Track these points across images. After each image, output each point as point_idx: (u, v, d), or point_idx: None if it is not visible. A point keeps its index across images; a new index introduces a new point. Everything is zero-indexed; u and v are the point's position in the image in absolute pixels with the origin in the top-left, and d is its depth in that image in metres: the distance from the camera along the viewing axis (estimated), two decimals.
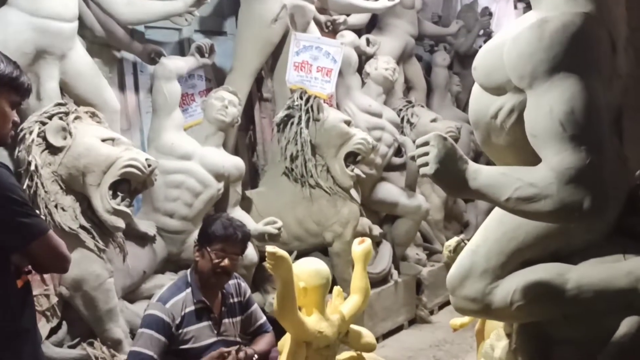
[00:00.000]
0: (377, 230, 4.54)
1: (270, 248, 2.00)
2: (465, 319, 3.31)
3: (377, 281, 4.40)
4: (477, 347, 3.12)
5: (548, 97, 1.74)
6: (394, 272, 4.61)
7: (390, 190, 4.66)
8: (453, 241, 2.54)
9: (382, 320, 4.38)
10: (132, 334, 2.88)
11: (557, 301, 2.00)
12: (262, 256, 3.47)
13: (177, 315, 2.40)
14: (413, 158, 1.98)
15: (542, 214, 1.74)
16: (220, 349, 2.34)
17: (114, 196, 2.69)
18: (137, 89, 3.71)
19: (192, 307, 2.45)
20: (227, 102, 3.49)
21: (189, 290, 2.46)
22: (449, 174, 1.84)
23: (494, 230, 2.17)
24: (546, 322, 2.12)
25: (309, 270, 2.20)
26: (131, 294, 3.04)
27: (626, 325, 1.94)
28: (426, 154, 1.87)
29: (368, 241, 2.42)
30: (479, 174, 1.84)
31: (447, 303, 5.27)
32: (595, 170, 1.67)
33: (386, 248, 4.61)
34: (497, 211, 2.26)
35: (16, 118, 1.79)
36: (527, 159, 1.88)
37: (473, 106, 2.18)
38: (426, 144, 1.88)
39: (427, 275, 5.03)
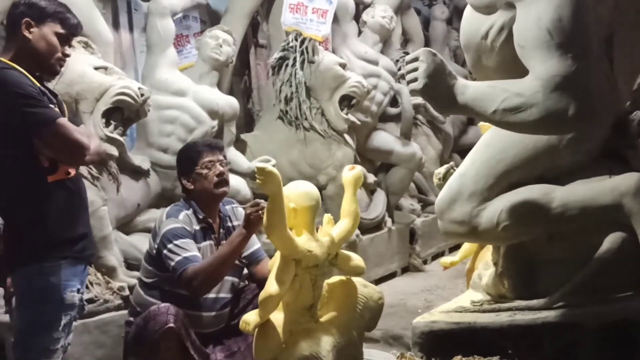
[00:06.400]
0: (371, 178, 4.57)
1: (259, 164, 2.01)
2: (455, 257, 3.35)
3: (371, 227, 4.45)
4: (468, 285, 3.16)
5: (536, 5, 1.75)
6: (388, 220, 4.65)
7: (385, 138, 4.67)
8: (443, 168, 2.57)
9: (375, 266, 4.44)
10: (127, 263, 2.93)
11: (543, 220, 2.03)
12: (255, 195, 3.51)
13: (191, 228, 2.44)
14: (403, 76, 1.99)
15: (528, 123, 1.76)
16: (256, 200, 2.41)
17: (107, 124, 2.70)
18: (131, 27, 3.70)
19: (198, 226, 2.48)
20: (222, 40, 3.48)
21: (191, 210, 2.49)
22: (438, 88, 1.85)
23: (482, 154, 2.20)
24: (531, 244, 2.16)
25: (298, 191, 2.21)
26: (126, 227, 3.08)
27: (609, 241, 1.98)
28: (415, 69, 1.88)
29: (358, 168, 2.43)
30: (467, 88, 1.86)
31: (441, 254, 5.34)
32: (582, 78, 1.69)
33: (380, 196, 4.64)
34: (485, 136, 2.29)
35: (66, 51, 2.03)
36: None
37: (464, 28, 2.19)
38: (415, 59, 1.89)
39: (420, 226, 5.08)
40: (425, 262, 5.08)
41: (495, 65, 2.08)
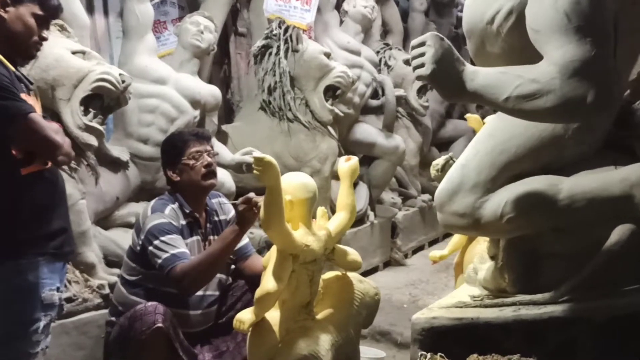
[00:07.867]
0: None
1: (257, 153, 1.91)
2: (445, 251, 3.29)
3: (354, 221, 4.36)
4: (456, 279, 3.11)
5: None
6: (370, 214, 4.58)
7: (367, 131, 4.59)
8: (441, 159, 2.50)
9: None
10: (106, 260, 2.79)
11: (549, 212, 1.97)
12: (239, 191, 3.39)
13: (177, 223, 2.34)
14: (407, 62, 1.90)
15: (544, 111, 1.68)
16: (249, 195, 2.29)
17: (86, 112, 2.55)
18: (106, 12, 3.54)
19: (184, 221, 2.39)
20: (203, 27, 3.35)
21: (177, 204, 2.40)
22: (446, 74, 1.77)
23: (484, 144, 2.12)
24: (534, 237, 2.08)
25: (295, 183, 2.12)
26: (105, 221, 2.93)
27: (617, 233, 1.92)
28: (422, 55, 1.79)
29: (355, 158, 2.34)
30: (477, 74, 1.78)
31: (421, 248, 5.32)
32: (601, 63, 1.62)
33: (363, 189, 4.57)
34: (487, 126, 2.22)
35: (44, 34, 1.93)
36: None
37: (467, 14, 2.11)
38: (422, 44, 1.80)
39: (401, 219, 5.04)
40: (406, 256, 5.05)
41: (500, 51, 2.00)
